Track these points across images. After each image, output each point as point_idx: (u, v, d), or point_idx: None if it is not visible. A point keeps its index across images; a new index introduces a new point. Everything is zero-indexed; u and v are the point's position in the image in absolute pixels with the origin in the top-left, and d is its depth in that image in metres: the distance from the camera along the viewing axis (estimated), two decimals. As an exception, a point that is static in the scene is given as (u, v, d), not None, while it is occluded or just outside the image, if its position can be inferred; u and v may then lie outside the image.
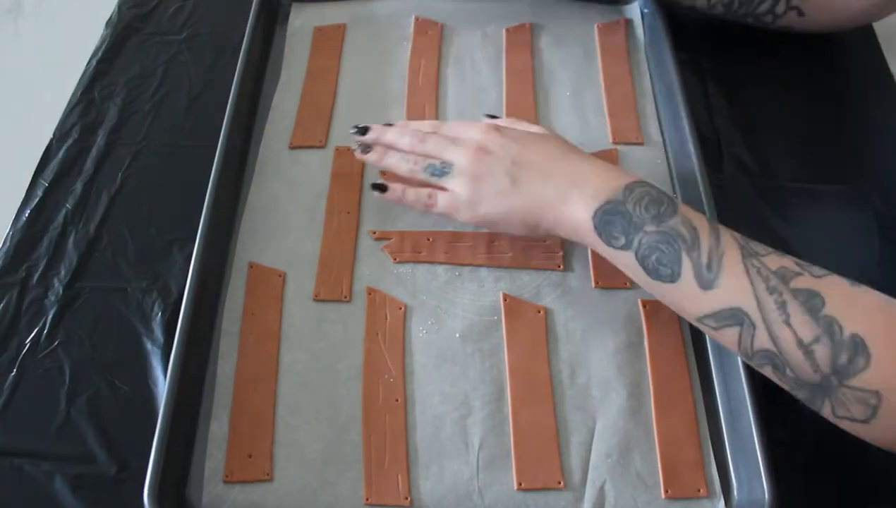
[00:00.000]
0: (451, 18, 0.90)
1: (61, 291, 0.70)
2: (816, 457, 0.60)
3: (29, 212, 0.76)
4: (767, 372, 0.54)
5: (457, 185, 0.65)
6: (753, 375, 0.59)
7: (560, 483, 0.59)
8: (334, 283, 0.69)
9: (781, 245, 0.70)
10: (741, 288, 0.53)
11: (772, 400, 0.58)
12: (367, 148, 0.71)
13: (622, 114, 0.81)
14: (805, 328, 0.50)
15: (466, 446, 0.60)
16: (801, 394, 0.53)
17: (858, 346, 0.49)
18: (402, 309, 0.67)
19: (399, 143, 0.69)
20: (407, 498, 0.58)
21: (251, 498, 0.58)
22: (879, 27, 0.87)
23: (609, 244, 0.59)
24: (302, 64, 0.86)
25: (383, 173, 0.75)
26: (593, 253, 0.70)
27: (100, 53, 0.90)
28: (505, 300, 0.67)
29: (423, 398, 0.63)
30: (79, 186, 0.77)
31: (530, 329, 0.66)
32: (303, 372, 0.64)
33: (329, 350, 0.65)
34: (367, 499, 0.58)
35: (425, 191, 0.68)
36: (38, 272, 0.72)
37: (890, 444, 0.51)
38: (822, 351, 0.50)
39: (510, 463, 0.59)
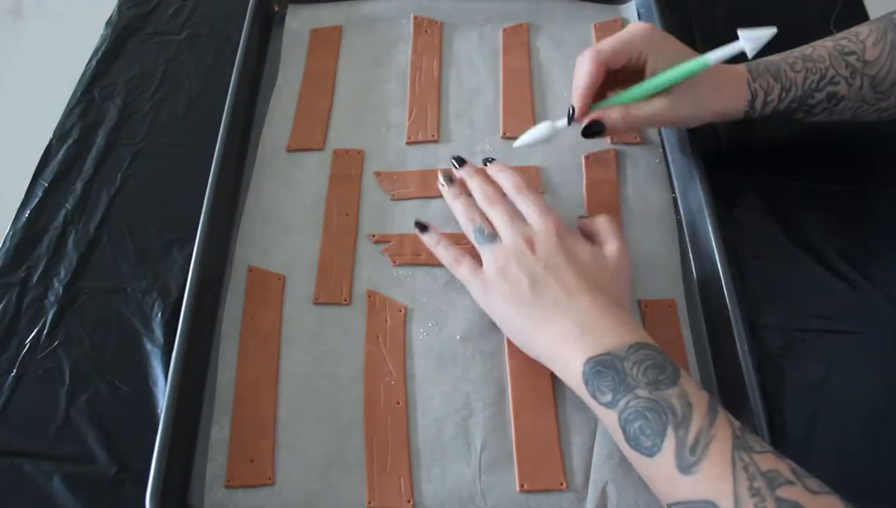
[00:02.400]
0: (448, 19, 0.88)
1: (61, 291, 0.69)
2: (816, 457, 0.59)
3: (29, 212, 0.75)
4: None
5: (487, 261, 0.63)
6: (754, 374, 0.58)
7: (562, 484, 0.57)
8: (334, 287, 0.67)
9: (780, 244, 0.70)
10: (720, 480, 0.47)
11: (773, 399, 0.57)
12: (448, 180, 0.70)
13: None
14: None
15: (468, 448, 0.59)
16: None
17: None
18: (403, 311, 0.66)
19: (476, 193, 0.67)
20: (409, 501, 0.57)
21: (253, 503, 0.57)
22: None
23: (593, 397, 0.54)
24: (299, 66, 0.84)
25: (378, 174, 0.75)
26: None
27: (100, 53, 0.88)
28: (505, 301, 0.66)
29: (425, 400, 0.62)
30: (79, 186, 0.76)
31: (531, 330, 0.64)
32: (303, 375, 0.63)
33: (329, 353, 0.64)
34: (370, 502, 0.57)
35: (454, 252, 0.65)
36: (38, 272, 0.71)
37: None
38: None
39: (512, 465, 0.58)
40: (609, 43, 0.67)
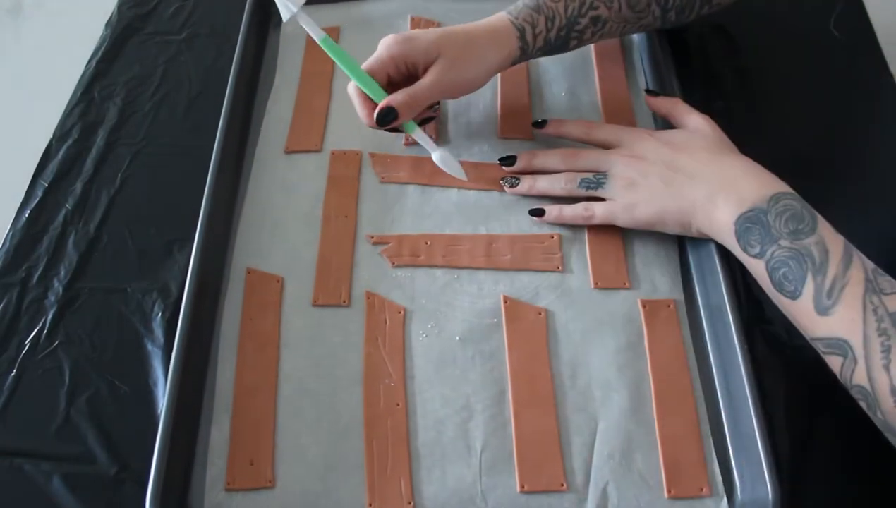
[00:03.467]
0: (445, 19, 0.88)
1: (61, 291, 0.68)
2: (816, 457, 0.59)
3: (29, 212, 0.74)
4: (863, 406, 0.53)
5: (613, 193, 0.67)
6: (754, 373, 0.58)
7: (563, 484, 0.57)
8: (333, 288, 0.66)
9: None
10: (852, 322, 0.52)
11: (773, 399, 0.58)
12: (514, 181, 0.72)
13: (618, 114, 0.79)
14: None
15: (468, 449, 0.58)
16: (888, 436, 0.52)
17: None
18: (402, 313, 0.65)
19: (550, 164, 0.71)
20: (410, 503, 0.56)
21: (253, 505, 0.56)
22: (879, 27, 0.85)
23: (745, 250, 0.59)
24: (296, 68, 0.83)
25: (372, 155, 0.74)
26: (592, 252, 0.68)
27: (100, 53, 0.88)
28: (505, 302, 0.65)
29: (424, 402, 0.61)
30: (79, 186, 0.76)
31: (531, 331, 0.64)
32: (303, 377, 0.62)
33: (329, 355, 0.63)
34: (370, 504, 0.56)
35: (581, 204, 0.69)
36: (38, 272, 0.70)
37: None
38: None
39: (513, 466, 0.58)
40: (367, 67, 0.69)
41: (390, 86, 0.69)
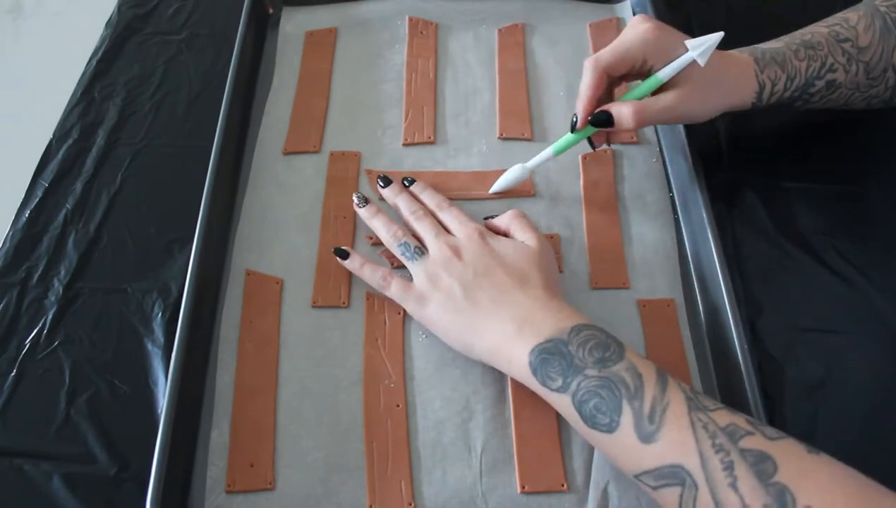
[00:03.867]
0: (443, 19, 0.87)
1: (61, 291, 0.68)
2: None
3: (29, 212, 0.74)
4: None
5: (416, 274, 0.63)
6: (755, 374, 0.58)
7: (563, 485, 0.56)
8: (332, 289, 0.66)
9: (780, 245, 0.69)
10: (684, 444, 0.47)
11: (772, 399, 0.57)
12: (363, 201, 0.69)
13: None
14: (753, 494, 0.44)
15: (469, 450, 0.58)
16: None
17: None
18: (401, 314, 0.65)
19: (401, 209, 0.69)
20: (410, 504, 0.56)
21: (254, 508, 0.56)
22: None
23: (544, 384, 0.54)
24: (294, 69, 0.83)
25: (369, 172, 0.73)
26: (591, 251, 0.68)
27: (100, 53, 0.87)
28: (505, 302, 0.65)
29: (424, 403, 0.60)
30: (79, 186, 0.75)
31: (531, 331, 0.63)
32: (303, 379, 0.62)
33: (328, 356, 0.63)
34: (371, 506, 0.56)
35: (381, 271, 0.65)
36: (38, 272, 0.69)
37: None
38: None
39: (513, 467, 0.57)
40: (608, 52, 0.65)
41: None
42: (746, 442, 0.46)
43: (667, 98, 0.65)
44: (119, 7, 0.92)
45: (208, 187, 0.68)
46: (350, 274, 0.67)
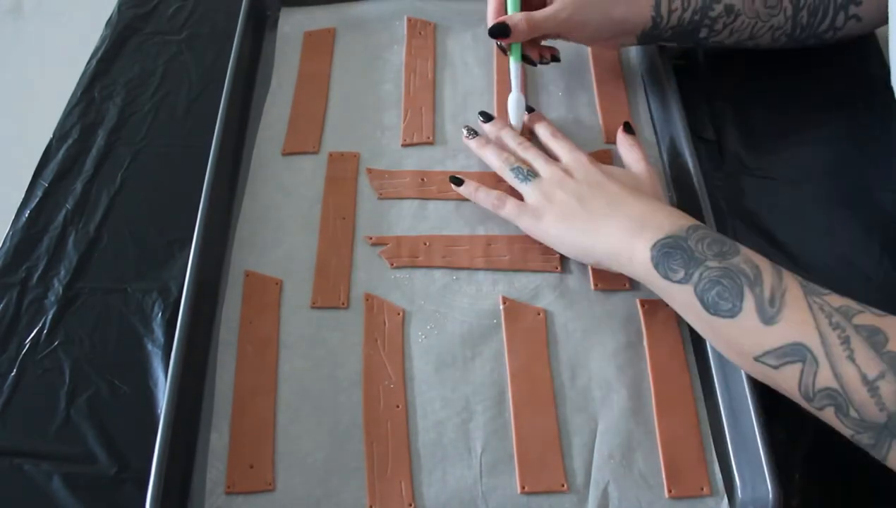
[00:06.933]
0: (441, 20, 0.86)
1: (61, 291, 0.67)
2: (817, 455, 0.58)
3: (29, 212, 0.73)
4: (829, 414, 0.50)
5: (530, 195, 0.65)
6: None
7: (563, 485, 0.56)
8: (331, 290, 0.65)
9: (781, 245, 0.68)
10: (804, 323, 0.50)
11: (771, 398, 0.56)
12: (472, 133, 0.72)
13: (615, 114, 0.77)
14: (870, 364, 0.47)
15: (469, 451, 0.57)
16: (865, 439, 0.49)
17: None
18: (401, 314, 0.64)
19: (505, 141, 0.71)
20: (411, 505, 0.55)
21: (254, 509, 0.55)
22: (878, 29, 0.84)
23: (666, 277, 0.56)
24: (293, 69, 0.82)
25: (370, 171, 0.73)
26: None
27: (100, 53, 0.86)
28: (504, 303, 0.64)
29: (424, 403, 0.60)
30: (79, 186, 0.74)
31: (530, 331, 0.63)
32: (302, 380, 0.61)
33: (328, 357, 0.62)
34: (371, 506, 0.55)
35: (496, 193, 0.68)
36: (38, 272, 0.69)
37: None
38: (887, 388, 0.46)
39: (513, 467, 0.57)
40: None
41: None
42: (859, 319, 0.49)
43: (554, 6, 0.70)
44: (119, 7, 0.92)
45: (207, 188, 0.67)
46: (349, 275, 0.66)
